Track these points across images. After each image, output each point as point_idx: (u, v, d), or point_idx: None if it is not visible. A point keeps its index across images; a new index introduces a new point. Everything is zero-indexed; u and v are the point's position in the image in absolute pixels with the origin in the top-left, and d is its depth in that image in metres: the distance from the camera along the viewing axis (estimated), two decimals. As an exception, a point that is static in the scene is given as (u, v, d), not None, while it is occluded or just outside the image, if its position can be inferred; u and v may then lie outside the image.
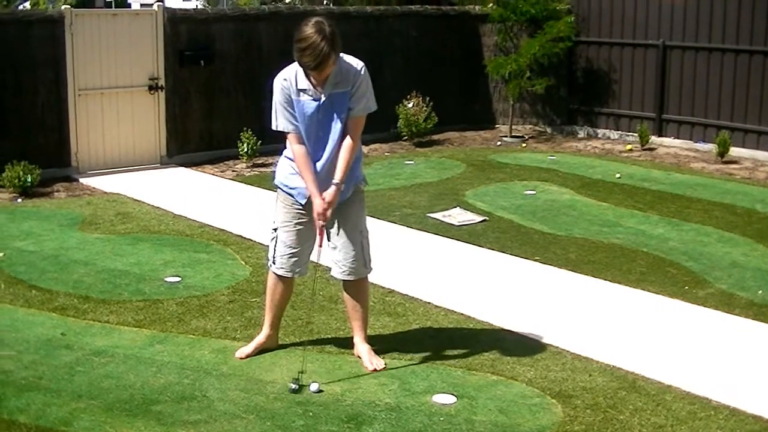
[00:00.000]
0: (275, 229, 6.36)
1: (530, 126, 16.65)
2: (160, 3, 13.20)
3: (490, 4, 16.28)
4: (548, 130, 16.50)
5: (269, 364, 6.31)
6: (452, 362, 6.38)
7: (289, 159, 6.24)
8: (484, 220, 10.29)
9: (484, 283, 8.20)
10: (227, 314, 7.29)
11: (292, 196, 6.23)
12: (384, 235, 9.58)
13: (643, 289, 7.99)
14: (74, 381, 6.02)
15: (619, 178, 12.56)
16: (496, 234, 9.76)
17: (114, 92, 12.85)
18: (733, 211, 10.75)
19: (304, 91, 6.03)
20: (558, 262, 8.76)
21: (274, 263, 6.37)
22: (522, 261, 8.85)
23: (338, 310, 7.27)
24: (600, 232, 9.81)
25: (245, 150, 13.25)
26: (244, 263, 8.65)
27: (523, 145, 15.33)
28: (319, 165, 6.10)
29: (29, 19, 12.27)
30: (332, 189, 5.99)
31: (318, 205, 5.99)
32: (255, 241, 9.32)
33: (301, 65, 5.88)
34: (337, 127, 6.08)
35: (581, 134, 16.18)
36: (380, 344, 6.64)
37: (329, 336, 6.82)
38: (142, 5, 48.05)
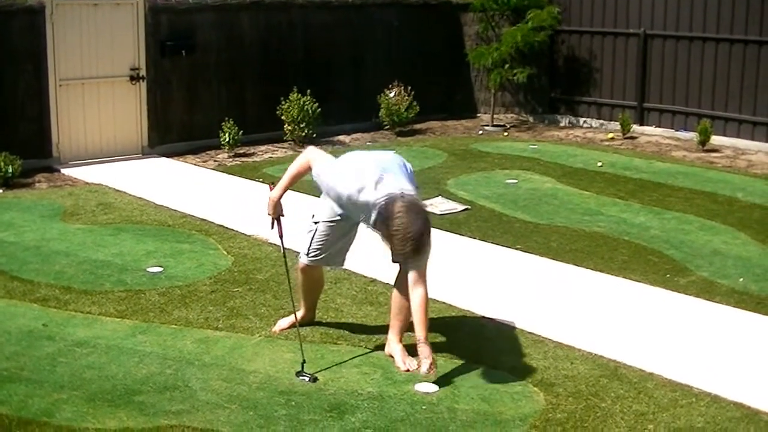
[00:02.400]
0: (316, 222, 6.37)
1: (512, 115, 16.66)
2: (141, -7, 13.13)
3: (472, -6, 16.27)
4: (530, 119, 16.52)
5: (251, 354, 6.31)
6: (434, 350, 6.38)
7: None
8: (466, 209, 10.30)
9: (466, 272, 8.22)
10: (209, 304, 7.28)
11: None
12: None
13: (625, 277, 8.02)
14: (56, 372, 6.01)
15: (601, 166, 12.58)
16: (478, 223, 9.78)
17: (95, 82, 12.80)
18: (715, 200, 10.79)
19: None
20: (540, 251, 8.78)
21: (308, 254, 6.41)
22: (504, 249, 8.86)
23: (320, 300, 7.27)
24: (581, 221, 9.83)
25: (227, 140, 13.22)
26: (226, 253, 8.64)
27: (505, 134, 15.34)
28: None
29: (9, 9, 12.19)
30: (424, 349, 5.81)
31: (271, 201, 6.22)
32: (237, 231, 9.31)
33: (393, 248, 5.73)
34: None
35: (563, 123, 16.20)
36: (363, 333, 6.65)
37: (311, 325, 6.81)
38: (122, -5, 47.78)
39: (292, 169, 6.22)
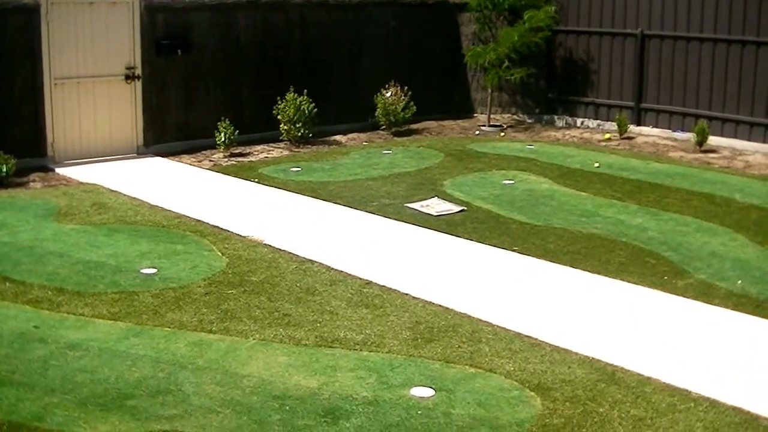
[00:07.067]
0: None
1: (509, 115, 16.61)
2: (137, -9, 13.07)
3: (469, -7, 16.22)
4: (527, 119, 16.47)
5: (245, 358, 6.25)
6: (430, 354, 6.33)
7: None
8: (462, 210, 10.25)
9: (462, 274, 8.16)
10: (203, 306, 7.21)
11: None
12: (361, 226, 9.54)
13: (623, 280, 7.96)
14: (48, 375, 5.95)
15: (598, 167, 12.54)
16: (474, 224, 9.72)
17: (90, 81, 12.73)
18: (712, 201, 10.74)
19: None
20: (536, 253, 8.72)
21: None
22: (500, 251, 8.81)
23: (315, 302, 7.22)
24: (579, 222, 9.78)
25: (222, 140, 13.16)
26: (220, 254, 8.58)
27: (502, 134, 15.29)
28: None
29: (4, 7, 12.13)
30: None
31: None
32: (232, 232, 9.25)
33: None
34: None
35: (560, 123, 16.15)
36: (358, 336, 6.59)
37: (306, 328, 6.76)
38: (119, -7, 47.72)
39: None
